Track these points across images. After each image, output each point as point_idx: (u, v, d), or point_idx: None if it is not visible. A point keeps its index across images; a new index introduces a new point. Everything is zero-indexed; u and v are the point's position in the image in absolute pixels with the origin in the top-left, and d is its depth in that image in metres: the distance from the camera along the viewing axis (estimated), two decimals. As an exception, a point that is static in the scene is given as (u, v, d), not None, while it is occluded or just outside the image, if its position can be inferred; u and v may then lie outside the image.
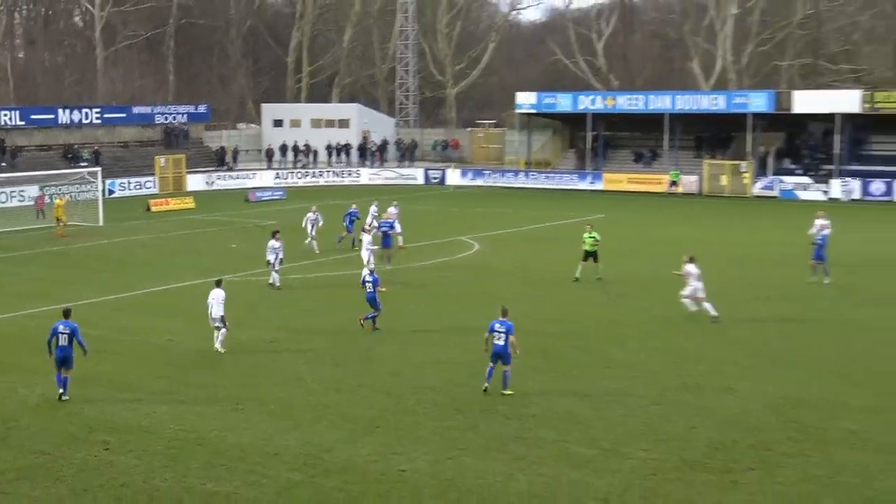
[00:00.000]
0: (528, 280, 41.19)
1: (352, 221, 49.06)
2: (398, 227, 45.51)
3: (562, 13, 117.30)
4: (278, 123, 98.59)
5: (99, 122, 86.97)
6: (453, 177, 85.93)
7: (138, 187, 77.85)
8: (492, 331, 24.92)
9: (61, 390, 24.72)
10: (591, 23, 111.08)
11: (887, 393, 25.30)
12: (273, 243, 38.76)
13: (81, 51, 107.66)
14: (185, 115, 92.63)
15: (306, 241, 47.48)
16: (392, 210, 48.80)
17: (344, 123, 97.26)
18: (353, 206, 50.69)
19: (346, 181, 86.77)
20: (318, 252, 47.32)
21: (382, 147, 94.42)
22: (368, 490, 19.48)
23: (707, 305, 32.64)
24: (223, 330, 29.51)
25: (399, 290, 38.60)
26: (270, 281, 39.01)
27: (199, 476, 20.25)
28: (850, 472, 20.10)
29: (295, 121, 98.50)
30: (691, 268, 32.89)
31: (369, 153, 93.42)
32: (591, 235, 39.88)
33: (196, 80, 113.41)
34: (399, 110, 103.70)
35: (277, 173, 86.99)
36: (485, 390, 25.00)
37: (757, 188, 75.13)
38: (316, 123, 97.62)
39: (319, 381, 26.73)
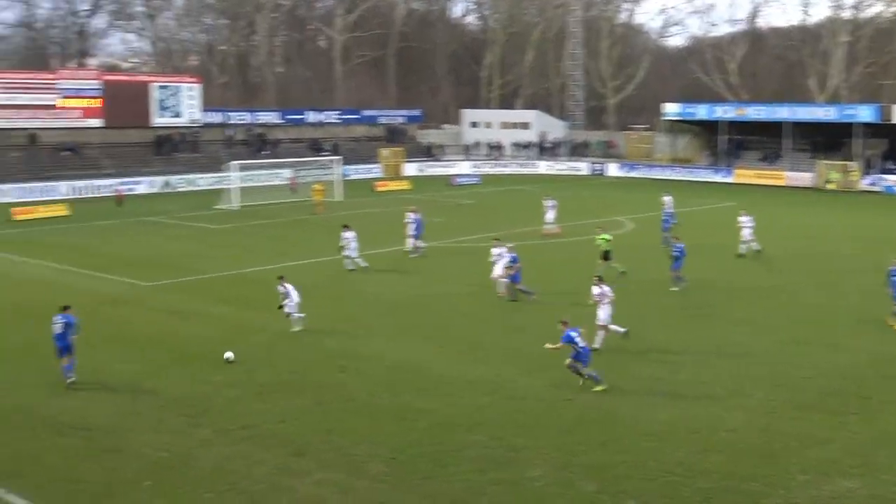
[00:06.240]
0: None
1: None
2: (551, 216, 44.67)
3: (701, 39, 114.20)
4: (474, 125, 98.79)
5: (337, 121, 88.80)
6: (613, 169, 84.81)
7: (367, 172, 79.05)
8: (569, 340, 20.51)
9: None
10: (725, 47, 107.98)
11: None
12: (345, 234, 35.35)
13: (325, 67, 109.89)
14: (404, 118, 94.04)
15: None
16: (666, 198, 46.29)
17: (525, 125, 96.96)
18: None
19: (527, 171, 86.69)
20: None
21: (556, 145, 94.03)
22: (542, 413, 19.42)
23: (614, 328, 24.27)
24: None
25: (569, 259, 38.19)
26: (351, 267, 35.29)
27: (411, 396, 20.52)
28: (940, 419, 19.08)
29: (487, 123, 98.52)
30: (604, 290, 24.34)
31: (546, 149, 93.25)
32: (604, 237, 34.24)
33: (411, 90, 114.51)
34: (569, 116, 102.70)
35: (474, 163, 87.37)
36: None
37: (864, 184, 71.71)
38: (503, 125, 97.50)
39: (504, 326, 26.72)
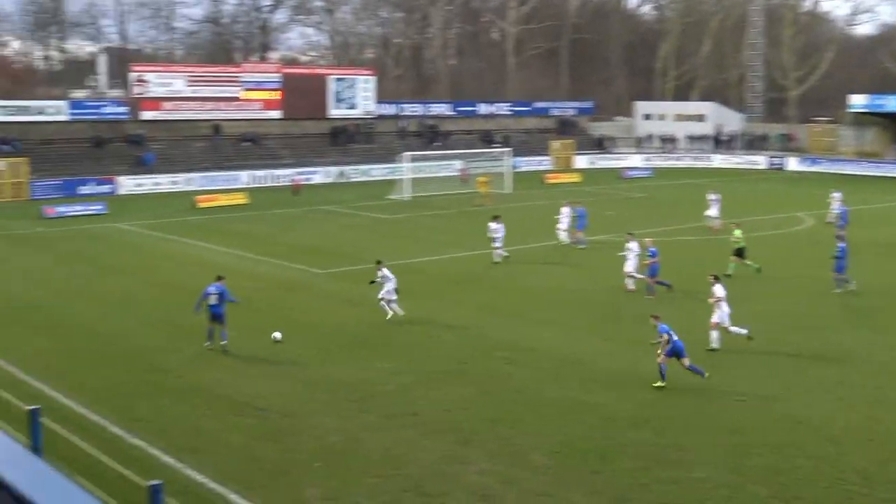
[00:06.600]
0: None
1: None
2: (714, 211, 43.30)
3: (892, 27, 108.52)
4: (647, 117, 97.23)
5: (508, 113, 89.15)
6: (793, 163, 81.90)
7: (537, 164, 78.95)
8: (667, 332, 20.57)
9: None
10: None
11: None
12: (492, 225, 35.58)
13: (497, 59, 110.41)
14: (575, 110, 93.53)
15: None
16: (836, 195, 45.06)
17: (700, 118, 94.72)
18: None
19: (701, 164, 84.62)
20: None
21: (732, 138, 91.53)
22: (712, 412, 19.01)
23: (734, 330, 23.41)
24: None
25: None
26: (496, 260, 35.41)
27: (577, 389, 20.45)
28: None
29: (661, 115, 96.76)
30: (718, 289, 23.60)
31: (721, 142, 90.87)
32: (737, 233, 32.89)
33: (583, 82, 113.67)
34: (747, 108, 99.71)
35: (645, 156, 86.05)
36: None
37: None
38: (678, 117, 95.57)
39: (669, 322, 26.11)
